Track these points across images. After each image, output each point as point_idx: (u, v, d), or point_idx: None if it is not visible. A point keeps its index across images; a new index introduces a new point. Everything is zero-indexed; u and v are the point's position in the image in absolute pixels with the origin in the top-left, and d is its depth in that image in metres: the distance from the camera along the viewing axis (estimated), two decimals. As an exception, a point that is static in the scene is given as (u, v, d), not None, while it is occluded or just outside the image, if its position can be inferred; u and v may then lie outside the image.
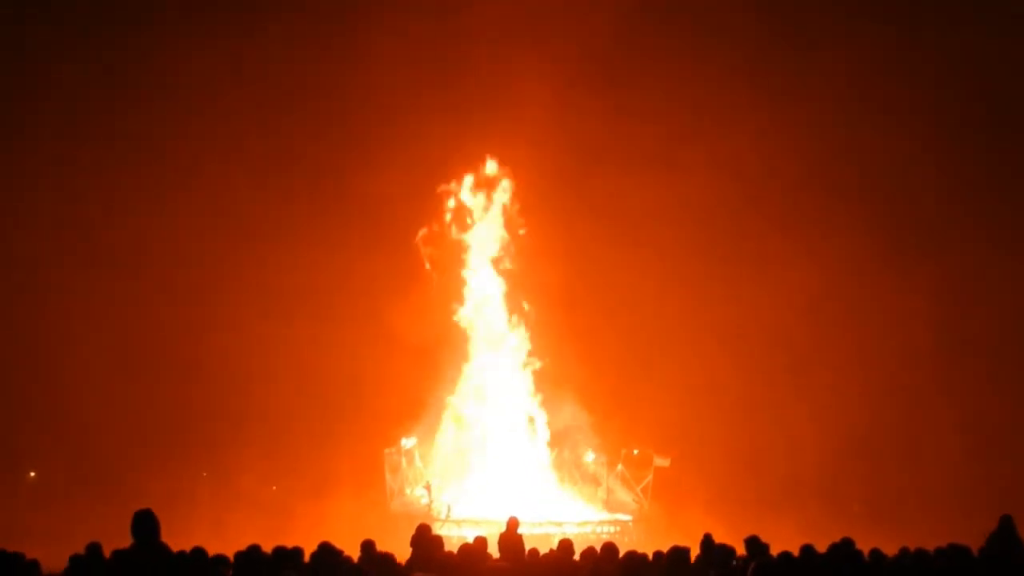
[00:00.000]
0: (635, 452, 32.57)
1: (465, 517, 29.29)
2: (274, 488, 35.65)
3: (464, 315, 33.91)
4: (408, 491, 32.03)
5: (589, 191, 35.39)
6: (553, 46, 34.32)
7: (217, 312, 36.22)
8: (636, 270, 35.99)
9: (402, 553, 12.14)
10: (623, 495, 32.42)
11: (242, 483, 32.60)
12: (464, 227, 34.36)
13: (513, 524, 13.78)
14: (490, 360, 33.94)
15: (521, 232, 34.26)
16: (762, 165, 37.31)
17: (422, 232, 33.93)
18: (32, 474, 39.52)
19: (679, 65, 35.91)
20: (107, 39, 38.17)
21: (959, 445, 33.81)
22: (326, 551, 10.84)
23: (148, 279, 37.33)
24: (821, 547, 10.87)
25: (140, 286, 37.20)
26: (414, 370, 33.43)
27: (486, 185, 34.52)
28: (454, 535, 24.87)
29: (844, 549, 10.60)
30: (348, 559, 10.89)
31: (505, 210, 34.47)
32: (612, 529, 30.32)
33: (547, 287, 34.08)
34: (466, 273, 34.11)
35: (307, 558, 11.14)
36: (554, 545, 11.12)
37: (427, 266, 33.72)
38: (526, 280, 34.31)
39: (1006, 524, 12.18)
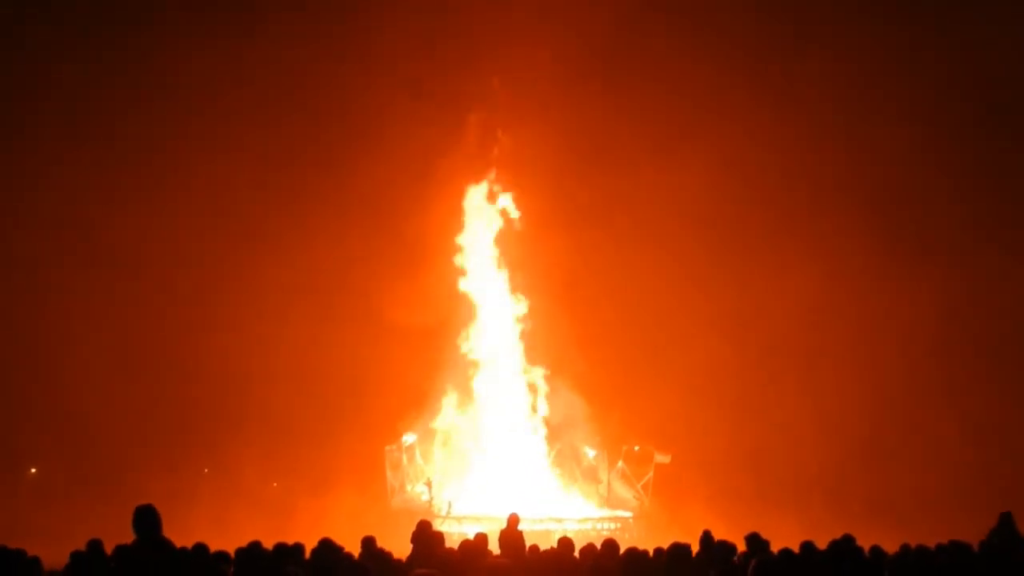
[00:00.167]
0: (636, 449, 32.58)
1: (466, 514, 29.27)
2: (275, 485, 35.69)
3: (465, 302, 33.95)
4: (409, 488, 32.04)
5: (591, 186, 35.38)
6: (554, 42, 34.32)
7: (217, 310, 36.27)
8: (638, 266, 36.00)
9: (403, 550, 12.18)
10: (624, 492, 32.42)
11: (243, 480, 32.63)
12: (463, 221, 34.38)
13: (514, 521, 13.83)
14: (490, 359, 33.96)
15: (517, 222, 34.29)
16: (767, 162, 37.36)
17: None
18: (33, 471, 39.55)
19: (682, 61, 35.88)
20: (107, 39, 38.19)
21: (960, 444, 33.83)
22: (327, 547, 10.87)
23: (148, 278, 37.37)
24: (822, 544, 10.90)
25: (140, 284, 37.24)
26: (415, 369, 33.47)
27: (486, 182, 34.56)
28: (455, 532, 24.86)
29: (845, 546, 10.62)
30: (349, 555, 10.92)
31: (505, 207, 34.50)
32: (613, 526, 30.31)
33: (548, 284, 34.10)
34: (461, 261, 34.08)
35: (308, 554, 11.17)
36: (555, 542, 11.12)
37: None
38: (527, 277, 34.34)
39: (1006, 521, 12.21)
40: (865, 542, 11.04)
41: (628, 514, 31.74)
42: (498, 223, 34.45)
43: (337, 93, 37.03)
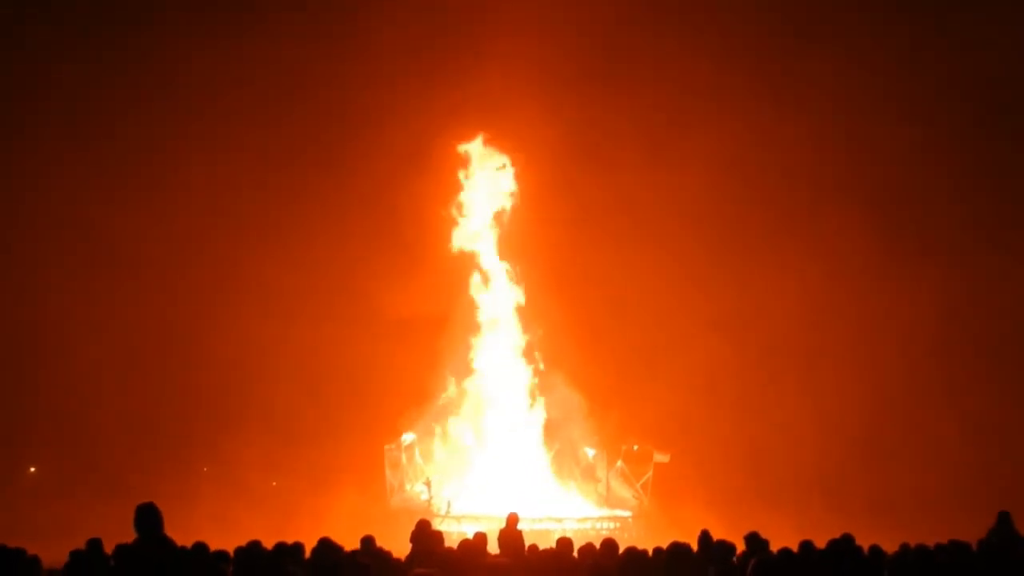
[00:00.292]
0: (635, 448, 32.58)
1: (465, 513, 29.27)
2: (274, 484, 35.70)
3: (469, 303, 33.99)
4: (408, 487, 32.05)
5: (590, 185, 35.41)
6: (554, 42, 34.35)
7: (218, 309, 36.28)
8: (638, 266, 36.01)
9: (402, 549, 12.19)
10: (623, 491, 32.42)
11: (243, 479, 32.63)
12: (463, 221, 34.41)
13: (513, 520, 13.83)
14: (490, 358, 33.97)
15: (517, 222, 34.32)
16: (767, 162, 37.39)
17: None
18: (32, 469, 39.56)
19: (682, 61, 35.89)
20: (107, 39, 38.21)
21: (960, 444, 33.83)
22: (326, 546, 10.86)
23: (148, 276, 37.42)
24: (821, 544, 10.90)
25: (140, 283, 37.28)
26: (415, 368, 33.49)
27: (486, 179, 34.57)
28: (454, 531, 24.89)
29: (844, 545, 10.62)
30: (348, 554, 10.91)
31: (503, 205, 34.52)
32: (612, 525, 30.31)
33: (548, 283, 34.12)
34: (461, 260, 34.11)
35: (308, 554, 11.17)
36: (554, 541, 11.12)
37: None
38: (527, 277, 34.36)
39: (1004, 520, 12.23)
40: (864, 542, 11.04)
41: (627, 513, 31.74)
42: (498, 223, 34.46)
43: (338, 93, 37.09)
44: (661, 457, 32.19)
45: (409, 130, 34.47)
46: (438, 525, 22.06)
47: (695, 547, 10.84)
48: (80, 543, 11.07)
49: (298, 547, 11.18)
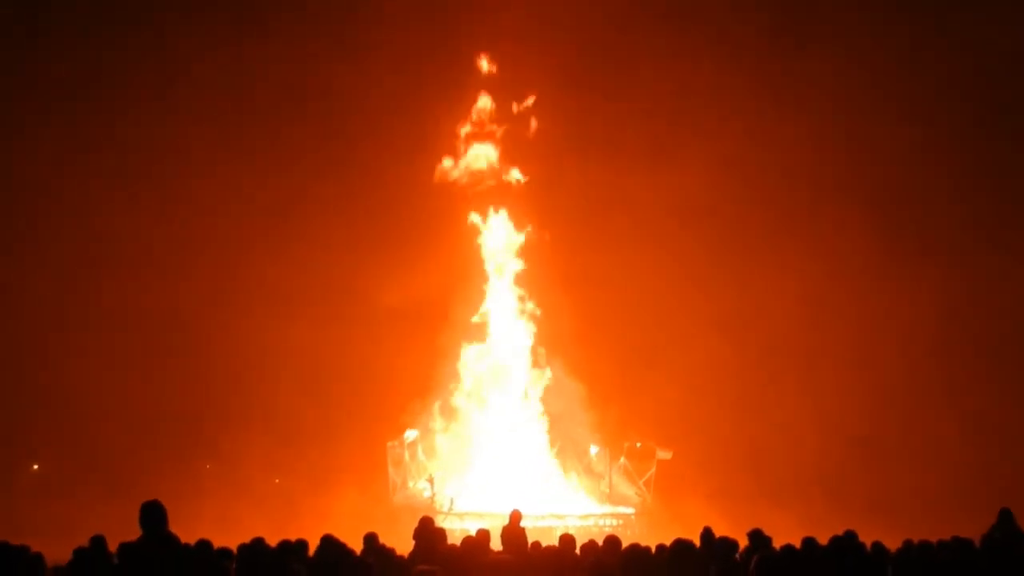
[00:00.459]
0: (637, 445, 32.61)
1: (468, 510, 29.30)
2: (277, 481, 35.70)
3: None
4: (411, 484, 32.06)
5: (592, 184, 35.45)
6: (554, 41, 34.39)
7: (221, 308, 36.27)
8: (638, 265, 36.03)
9: (405, 546, 12.19)
10: (625, 488, 32.45)
11: (246, 477, 32.65)
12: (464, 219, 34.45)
13: (516, 517, 13.82)
14: (492, 357, 33.99)
15: (517, 220, 34.35)
16: (767, 162, 37.38)
17: None
18: (35, 467, 39.58)
19: (682, 61, 35.91)
20: (107, 39, 38.21)
21: (960, 444, 33.85)
22: (329, 544, 10.88)
23: (150, 276, 37.41)
24: (823, 541, 10.91)
25: (142, 283, 37.27)
26: (416, 367, 33.51)
27: (490, 177, 34.63)
28: (457, 528, 24.89)
29: (847, 542, 10.64)
30: (351, 552, 10.93)
31: (506, 205, 34.55)
32: (615, 522, 30.31)
33: (549, 283, 34.13)
34: (463, 261, 34.13)
35: (311, 551, 11.18)
36: (557, 538, 11.13)
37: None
38: (528, 276, 34.38)
39: (1006, 516, 12.24)
40: (866, 540, 11.06)
41: (630, 510, 31.77)
42: (499, 222, 34.47)
43: (343, 94, 37.06)
44: (663, 454, 32.22)
45: (409, 129, 34.56)
46: (441, 522, 22.11)
47: (698, 544, 10.86)
48: (83, 541, 11.07)
49: (302, 544, 11.20)
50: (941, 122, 36.92)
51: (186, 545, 9.21)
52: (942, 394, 35.30)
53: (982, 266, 36.26)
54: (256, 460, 32.78)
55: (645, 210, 36.28)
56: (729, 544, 10.85)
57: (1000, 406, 35.10)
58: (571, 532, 11.33)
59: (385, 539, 11.74)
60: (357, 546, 11.45)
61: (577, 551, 10.76)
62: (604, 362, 33.95)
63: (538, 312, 34.00)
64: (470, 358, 33.70)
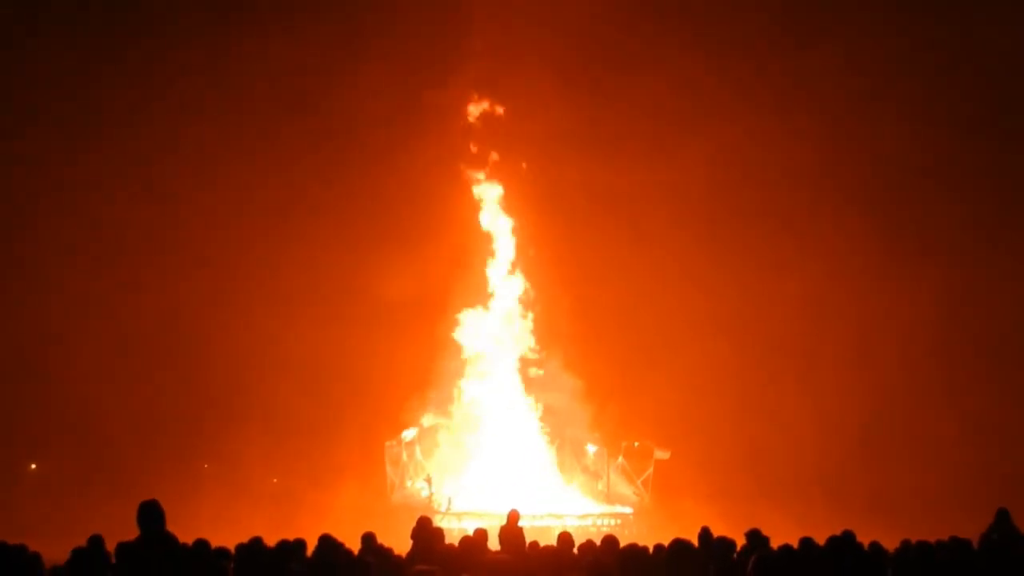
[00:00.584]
0: (635, 445, 32.65)
1: (466, 510, 29.34)
2: (275, 481, 35.73)
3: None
4: (409, 484, 32.09)
5: (592, 183, 35.45)
6: (553, 40, 34.39)
7: (221, 308, 36.33)
8: (638, 265, 36.06)
9: (403, 546, 12.18)
10: (623, 488, 32.48)
11: (244, 476, 32.68)
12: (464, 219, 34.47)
13: (514, 517, 13.81)
14: (491, 357, 33.99)
15: (518, 220, 34.35)
16: (767, 162, 37.40)
17: None
18: (33, 466, 39.60)
19: (682, 59, 35.93)
20: (107, 39, 38.24)
21: (960, 444, 33.84)
22: (327, 544, 10.87)
23: (152, 276, 37.47)
24: (821, 541, 10.90)
25: (144, 282, 37.34)
26: (415, 366, 33.54)
27: (489, 178, 34.66)
28: (455, 528, 24.95)
29: (845, 542, 10.62)
30: (349, 552, 10.92)
31: (506, 206, 34.56)
32: (613, 522, 30.37)
33: (549, 282, 34.14)
34: (463, 258, 34.16)
35: (309, 551, 11.17)
36: (555, 538, 11.11)
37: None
38: (528, 276, 34.38)
39: (1003, 517, 12.23)
40: (865, 540, 11.04)
41: (628, 510, 31.80)
42: (498, 221, 34.49)
43: (342, 93, 37.05)
44: (662, 454, 32.25)
45: (410, 129, 34.58)
46: (439, 522, 22.10)
47: (696, 544, 10.84)
48: (81, 540, 11.06)
49: (300, 544, 11.18)
50: (941, 122, 36.92)
51: (184, 545, 9.19)
52: (942, 394, 35.31)
53: (982, 266, 36.27)
54: (255, 460, 32.83)
55: (645, 210, 36.33)
56: (727, 544, 10.83)
57: (1000, 406, 35.10)
58: (569, 532, 11.29)
59: (383, 539, 11.72)
60: (355, 546, 11.43)
61: (575, 551, 10.74)
62: (603, 362, 33.98)
63: (538, 312, 34.03)
64: (468, 359, 33.73)
